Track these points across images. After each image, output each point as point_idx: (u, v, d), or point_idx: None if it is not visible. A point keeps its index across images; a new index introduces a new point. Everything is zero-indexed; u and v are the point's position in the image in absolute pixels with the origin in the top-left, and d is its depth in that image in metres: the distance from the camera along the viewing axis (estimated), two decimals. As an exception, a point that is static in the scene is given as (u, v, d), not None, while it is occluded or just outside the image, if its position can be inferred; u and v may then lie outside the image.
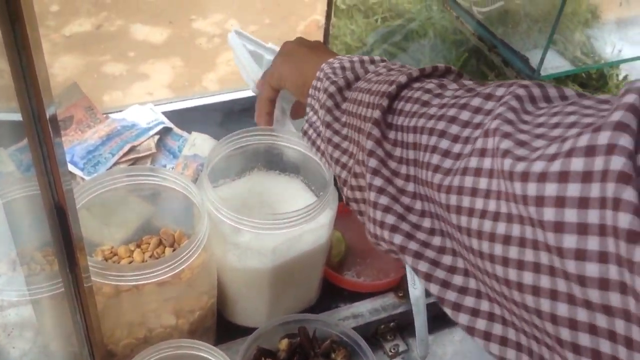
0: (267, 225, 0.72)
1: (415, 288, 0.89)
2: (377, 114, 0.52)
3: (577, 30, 1.11)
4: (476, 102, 0.46)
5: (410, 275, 0.90)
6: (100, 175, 0.76)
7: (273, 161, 0.86)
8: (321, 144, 0.63)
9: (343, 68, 0.62)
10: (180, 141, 1.01)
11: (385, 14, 1.12)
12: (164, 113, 1.06)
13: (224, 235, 0.74)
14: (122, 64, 2.07)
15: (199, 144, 0.99)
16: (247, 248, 0.75)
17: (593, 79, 1.32)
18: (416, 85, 0.52)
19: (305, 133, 0.66)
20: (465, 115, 0.46)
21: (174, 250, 0.78)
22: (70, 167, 0.93)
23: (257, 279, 0.78)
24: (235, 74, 0.89)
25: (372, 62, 0.63)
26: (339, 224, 0.99)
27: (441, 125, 0.47)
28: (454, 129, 0.46)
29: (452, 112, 0.47)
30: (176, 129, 1.03)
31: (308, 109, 0.66)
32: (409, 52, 1.10)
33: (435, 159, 0.47)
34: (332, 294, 0.90)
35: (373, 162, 0.51)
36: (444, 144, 0.46)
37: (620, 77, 1.33)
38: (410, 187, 0.50)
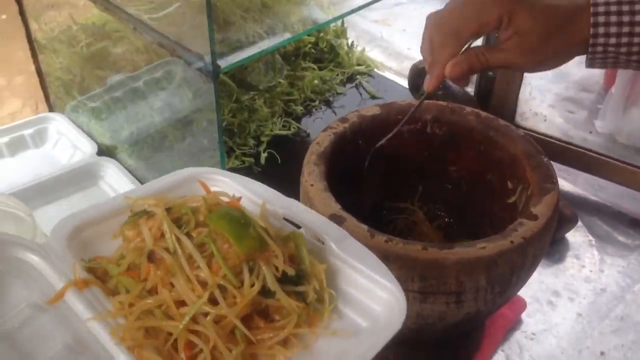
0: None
1: None
2: None
3: (294, 11, 1.12)
4: None
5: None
6: None
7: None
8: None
9: None
10: None
11: (89, 39, 1.05)
12: None
13: None
14: None
15: None
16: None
17: (325, 52, 1.35)
18: None
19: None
20: None
21: None
22: None
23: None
24: None
25: None
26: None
27: None
28: None
29: None
30: None
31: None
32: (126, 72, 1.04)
33: None
34: None
35: None
36: None
37: (349, 44, 1.38)
38: None
